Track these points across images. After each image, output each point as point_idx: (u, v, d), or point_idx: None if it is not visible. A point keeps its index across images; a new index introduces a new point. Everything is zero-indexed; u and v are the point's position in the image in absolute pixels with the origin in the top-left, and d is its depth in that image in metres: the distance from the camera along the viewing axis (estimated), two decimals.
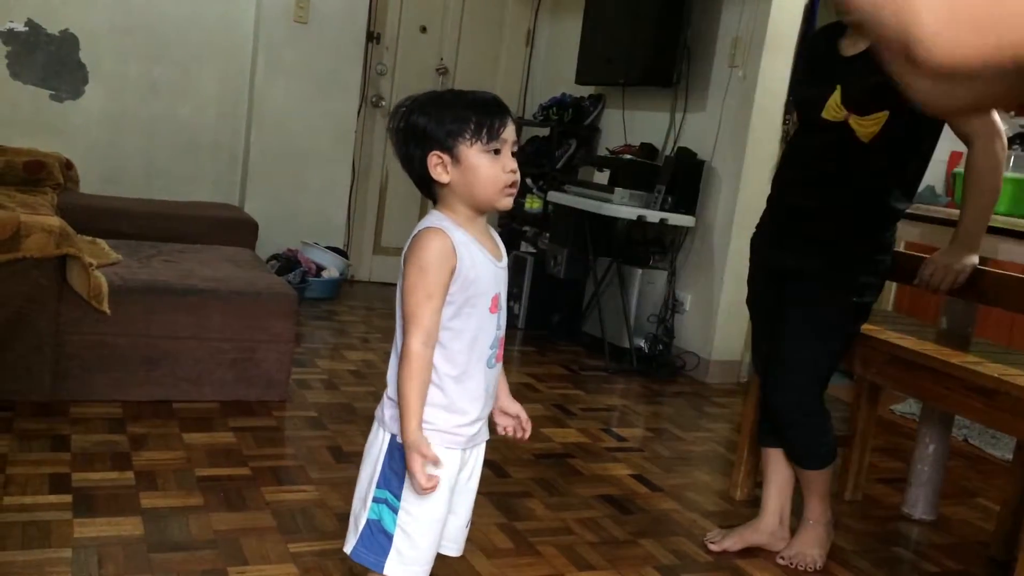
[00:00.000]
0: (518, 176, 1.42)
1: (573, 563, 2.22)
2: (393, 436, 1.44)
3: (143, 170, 4.88)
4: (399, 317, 1.43)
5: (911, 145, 2.18)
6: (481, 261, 1.42)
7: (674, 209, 4.22)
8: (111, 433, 2.66)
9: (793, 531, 2.44)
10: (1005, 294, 2.32)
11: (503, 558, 2.20)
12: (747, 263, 2.53)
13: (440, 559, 1.55)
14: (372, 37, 5.26)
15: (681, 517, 2.61)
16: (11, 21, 4.49)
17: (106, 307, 2.81)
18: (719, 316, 4.19)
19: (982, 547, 2.69)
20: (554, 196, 4.63)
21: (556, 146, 5.17)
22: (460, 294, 1.40)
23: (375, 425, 1.49)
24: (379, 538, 1.44)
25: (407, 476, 1.42)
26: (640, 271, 4.35)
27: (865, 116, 2.12)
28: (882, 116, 2.10)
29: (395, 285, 1.45)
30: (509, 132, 1.40)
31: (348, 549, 1.48)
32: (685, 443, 3.32)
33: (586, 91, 5.16)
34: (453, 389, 1.43)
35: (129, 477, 2.38)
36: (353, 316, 4.62)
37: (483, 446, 1.55)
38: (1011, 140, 2.61)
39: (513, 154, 1.41)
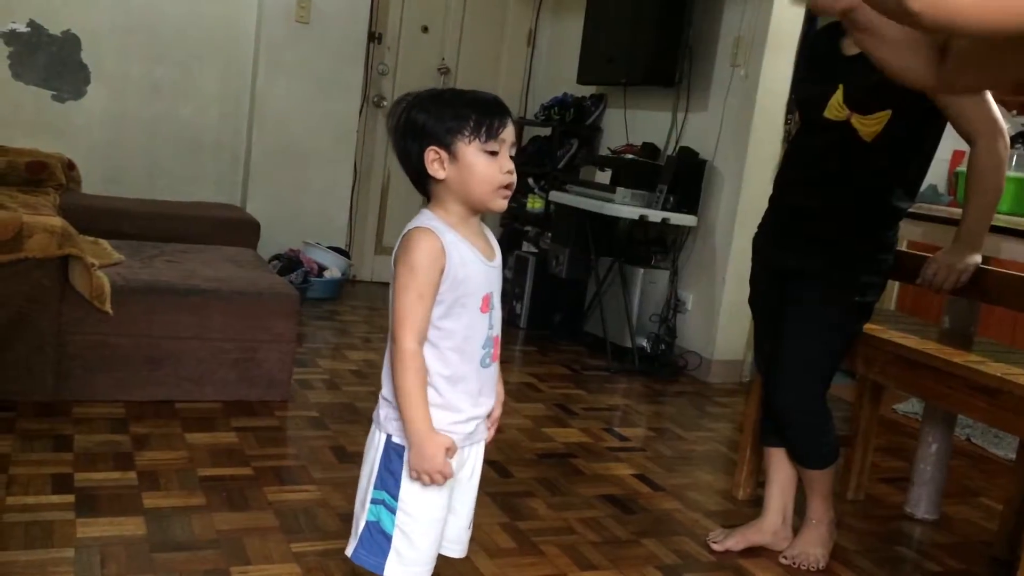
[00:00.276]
0: (514, 178, 1.41)
1: (575, 563, 2.22)
2: (389, 436, 1.44)
3: (145, 170, 4.88)
4: (392, 317, 1.43)
5: (913, 144, 2.17)
6: (471, 260, 1.41)
7: (676, 209, 4.22)
8: (113, 433, 2.66)
9: (796, 531, 2.44)
10: (1008, 293, 2.31)
11: (506, 558, 2.20)
12: (749, 262, 2.53)
13: (442, 559, 1.55)
14: (373, 37, 5.26)
15: (683, 517, 2.61)
16: (13, 22, 4.50)
17: (108, 307, 2.81)
18: (721, 316, 4.18)
19: (985, 546, 2.69)
20: (556, 196, 4.63)
21: (558, 146, 5.17)
22: (450, 294, 1.40)
23: (372, 426, 1.49)
24: (378, 539, 1.44)
25: (405, 475, 1.41)
26: (642, 271, 4.35)
27: (867, 115, 2.11)
28: (884, 115, 2.10)
29: (392, 277, 1.45)
30: (508, 133, 1.40)
31: (349, 552, 1.48)
32: (687, 443, 3.32)
33: (588, 91, 5.16)
34: (446, 388, 1.43)
35: (131, 477, 2.38)
36: (355, 316, 4.62)
37: (482, 444, 1.54)
38: (1013, 139, 2.61)
39: (511, 156, 1.41)
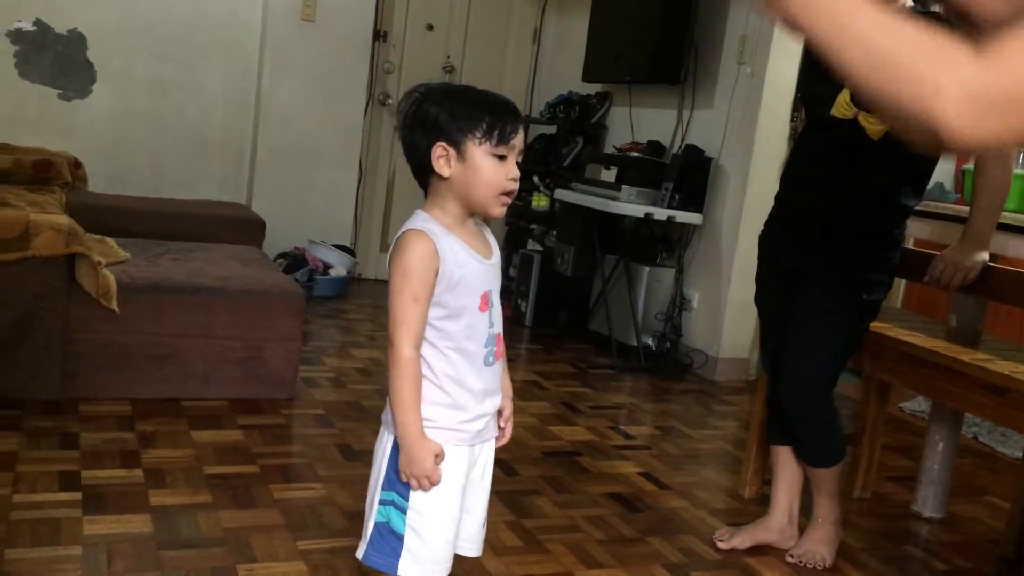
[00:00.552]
0: (517, 185, 1.41)
1: (582, 561, 2.22)
2: (396, 437, 1.44)
3: (151, 169, 4.89)
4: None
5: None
6: (466, 261, 1.41)
7: (681, 207, 4.21)
8: (120, 431, 2.67)
9: (802, 529, 2.44)
10: (1015, 291, 2.31)
11: (512, 556, 2.20)
12: (755, 260, 2.52)
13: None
14: (379, 35, 5.26)
15: (689, 515, 2.60)
16: (19, 20, 4.51)
17: (115, 305, 2.82)
18: (727, 313, 4.18)
19: (992, 545, 2.68)
20: (561, 194, 4.62)
21: (563, 144, 5.16)
22: (446, 295, 1.39)
23: (381, 428, 1.49)
24: (389, 540, 1.44)
25: (405, 474, 1.41)
26: (647, 269, 4.35)
27: (875, 113, 2.11)
28: None
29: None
30: (519, 140, 1.39)
31: (360, 554, 1.47)
32: (693, 441, 3.31)
33: (593, 89, 5.16)
34: (453, 388, 1.43)
35: (138, 475, 2.39)
36: (360, 314, 4.62)
37: (492, 442, 1.54)
38: None
39: (518, 163, 1.40)
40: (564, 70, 5.46)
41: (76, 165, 4.48)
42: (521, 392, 3.60)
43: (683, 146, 4.39)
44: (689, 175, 4.23)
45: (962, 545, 2.65)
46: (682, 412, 3.71)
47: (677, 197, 4.21)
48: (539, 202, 5.11)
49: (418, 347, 1.39)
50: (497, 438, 1.56)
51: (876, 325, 2.43)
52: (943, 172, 2.68)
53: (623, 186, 4.23)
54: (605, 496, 2.66)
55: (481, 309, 1.43)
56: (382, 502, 1.44)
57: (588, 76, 5.00)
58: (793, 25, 0.91)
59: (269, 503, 2.32)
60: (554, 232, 4.90)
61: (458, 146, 1.36)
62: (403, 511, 1.43)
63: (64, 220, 2.78)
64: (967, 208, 2.31)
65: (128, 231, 3.73)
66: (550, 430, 3.19)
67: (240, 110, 5.05)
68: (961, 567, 2.51)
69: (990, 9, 1.01)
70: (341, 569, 2.02)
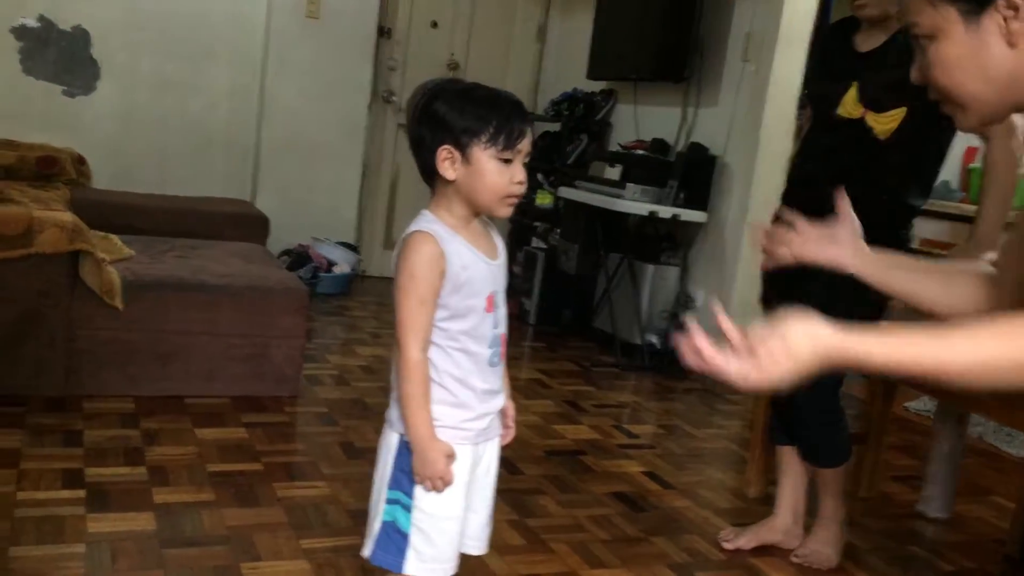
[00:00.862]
0: (524, 188, 1.40)
1: (586, 561, 2.22)
2: (401, 436, 1.43)
3: (155, 166, 4.88)
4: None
5: (928, 142, 2.15)
6: (472, 262, 1.40)
7: (686, 205, 4.20)
8: (124, 428, 2.66)
9: (807, 529, 2.43)
10: None
11: (516, 555, 2.19)
12: (760, 259, 2.50)
13: None
14: (383, 32, 5.25)
15: (694, 515, 2.60)
16: (23, 17, 4.50)
17: (119, 303, 2.82)
18: (731, 312, 4.11)
19: (997, 545, 2.67)
20: (565, 192, 4.61)
21: (567, 142, 5.15)
22: (452, 296, 1.39)
23: (385, 426, 1.48)
24: (395, 539, 1.44)
25: (419, 476, 1.41)
26: (652, 267, 4.34)
27: (882, 113, 2.10)
28: (899, 113, 2.08)
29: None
30: (526, 143, 1.37)
31: (366, 553, 1.47)
32: (697, 440, 3.30)
33: (597, 86, 5.14)
34: (456, 387, 1.42)
35: (142, 472, 2.38)
36: (364, 311, 4.62)
37: (497, 441, 1.54)
38: None
39: (524, 164, 1.39)
40: (569, 67, 5.44)
41: (80, 161, 4.48)
42: (525, 390, 3.60)
43: (688, 144, 4.38)
44: (694, 173, 4.22)
45: (967, 545, 2.64)
46: (686, 411, 3.70)
47: (681, 195, 4.20)
48: (543, 200, 5.10)
49: (426, 349, 1.39)
50: (502, 436, 1.55)
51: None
52: (949, 170, 2.66)
53: (627, 184, 4.22)
54: (609, 495, 2.65)
55: (487, 310, 1.42)
56: (388, 501, 1.44)
57: (593, 73, 4.99)
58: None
59: (273, 501, 2.32)
60: (558, 230, 4.89)
61: (463, 149, 1.35)
62: (409, 510, 1.43)
63: (68, 217, 2.77)
64: (972, 206, 2.31)
65: (132, 228, 3.72)
66: (554, 429, 3.19)
67: (244, 107, 5.04)
68: (966, 568, 2.50)
69: (978, 95, 1.09)
70: (344, 568, 2.01)
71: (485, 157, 1.35)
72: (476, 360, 1.43)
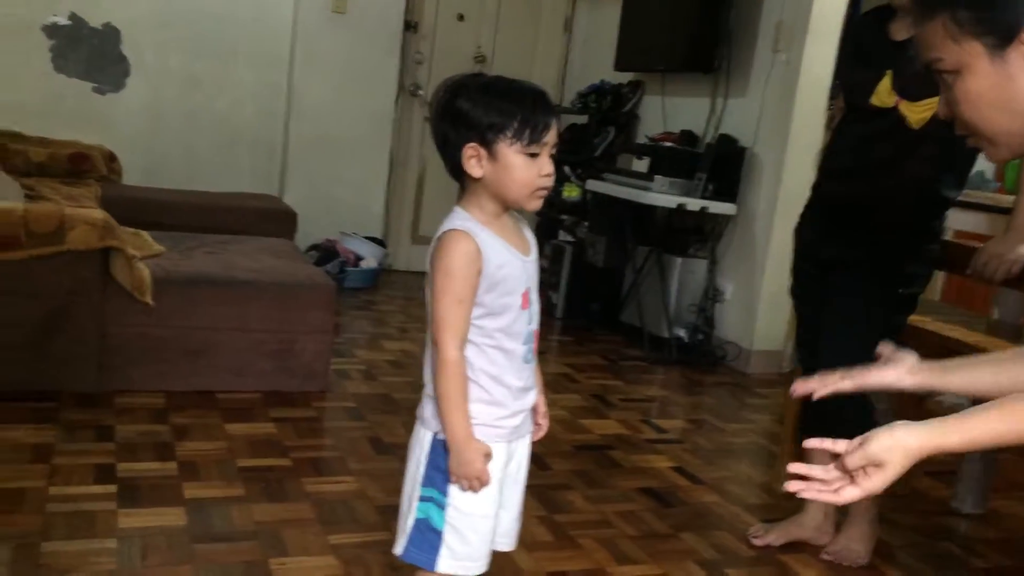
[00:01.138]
0: (552, 181, 1.38)
1: (614, 557, 2.20)
2: (435, 434, 1.43)
3: (184, 162, 4.92)
4: (430, 316, 1.41)
5: (962, 141, 2.11)
6: (508, 260, 1.39)
7: (715, 197, 4.17)
8: (155, 423, 2.69)
9: (838, 526, 2.40)
10: None
11: (543, 551, 2.19)
12: (790, 252, 2.48)
13: None
14: (410, 26, 5.25)
15: (723, 510, 2.58)
16: (54, 15, 4.55)
17: (149, 299, 2.84)
18: (761, 305, 4.13)
19: None
20: (593, 184, 4.59)
21: (594, 134, 5.12)
22: (488, 294, 1.38)
23: (417, 424, 1.48)
24: (428, 536, 1.44)
25: (455, 476, 1.41)
26: (680, 260, 4.30)
27: (916, 102, 2.06)
28: (934, 102, 2.04)
29: (426, 273, 1.44)
30: (552, 135, 1.36)
31: (399, 551, 1.47)
32: (726, 435, 3.28)
33: (625, 78, 5.11)
34: (491, 385, 1.42)
35: (172, 467, 2.40)
36: (391, 306, 4.63)
37: (528, 438, 1.53)
38: None
39: (552, 156, 1.38)
40: (596, 59, 5.41)
41: (111, 158, 4.53)
42: (552, 384, 3.59)
43: (716, 135, 4.34)
44: (723, 165, 4.18)
45: (1002, 542, 2.60)
46: (715, 405, 3.67)
47: (710, 187, 4.16)
48: (570, 193, 5.08)
49: (463, 348, 1.38)
50: (535, 429, 1.55)
51: (915, 318, 2.38)
52: (983, 159, 2.61)
53: (656, 176, 4.19)
54: (637, 491, 2.64)
55: (522, 307, 1.42)
56: (422, 499, 1.44)
57: (620, 65, 4.95)
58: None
59: (301, 496, 2.33)
60: (586, 223, 4.87)
61: (489, 146, 1.34)
62: (443, 508, 1.43)
63: (99, 214, 2.80)
64: (1007, 197, 2.26)
65: (162, 224, 3.75)
66: (582, 423, 3.18)
67: (272, 102, 5.06)
68: (1001, 565, 2.46)
69: (1006, 128, 1.09)
70: (372, 563, 2.02)
71: (511, 152, 1.34)
72: (511, 357, 1.42)
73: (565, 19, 5.71)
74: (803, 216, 2.43)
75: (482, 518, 1.44)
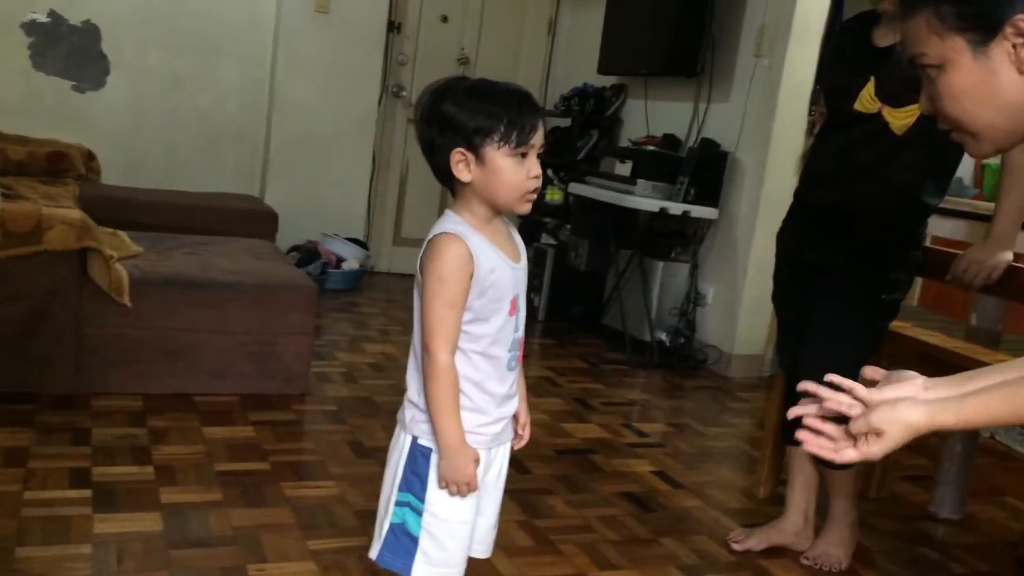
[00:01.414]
0: (540, 182, 1.38)
1: (595, 562, 2.20)
2: (415, 438, 1.42)
3: (164, 161, 4.88)
4: (417, 321, 1.40)
5: (945, 137, 2.12)
6: (499, 265, 1.39)
7: (697, 201, 4.17)
8: (132, 426, 2.66)
9: (818, 530, 2.41)
10: None
11: (524, 556, 2.18)
12: (771, 256, 2.49)
13: None
14: (393, 27, 5.23)
15: (704, 515, 2.58)
16: (33, 12, 4.50)
17: (127, 300, 2.81)
18: (742, 309, 4.14)
19: (1010, 548, 2.65)
20: (575, 187, 4.59)
21: (577, 137, 5.13)
22: (478, 300, 1.37)
23: (397, 428, 1.47)
24: (404, 541, 1.43)
25: (432, 478, 1.40)
26: (662, 263, 4.31)
27: (900, 108, 2.07)
28: (917, 108, 2.05)
29: (415, 277, 1.43)
30: (538, 137, 1.35)
31: (374, 555, 1.46)
32: (707, 439, 3.28)
33: (608, 81, 5.12)
34: (474, 391, 1.41)
35: (149, 472, 2.38)
36: (373, 308, 4.61)
37: (508, 445, 1.53)
38: None
39: (539, 156, 1.38)
40: (579, 62, 5.41)
41: (90, 157, 4.49)
42: (534, 388, 3.58)
43: (699, 140, 4.35)
44: (705, 169, 4.19)
45: (980, 547, 2.62)
46: (696, 409, 3.68)
47: (692, 191, 4.17)
48: (553, 195, 5.08)
49: (453, 353, 1.37)
50: (516, 439, 1.54)
51: (895, 324, 2.39)
52: (962, 167, 2.62)
53: (638, 180, 4.19)
54: (618, 495, 2.64)
55: (510, 313, 1.41)
56: (398, 503, 1.43)
57: (603, 68, 4.96)
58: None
59: (280, 501, 2.31)
60: (568, 226, 4.87)
61: (476, 150, 1.33)
62: (419, 513, 1.42)
63: (77, 215, 2.77)
64: (986, 203, 2.28)
65: (141, 223, 3.72)
66: (563, 427, 3.17)
67: (254, 102, 5.03)
68: (978, 570, 2.47)
69: (989, 123, 1.11)
70: (352, 569, 2.00)
71: (499, 156, 1.33)
72: (495, 363, 1.42)
73: (549, 21, 5.71)
74: (786, 221, 2.43)
75: (459, 524, 1.43)
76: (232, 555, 2.01)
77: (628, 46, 4.75)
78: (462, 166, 1.35)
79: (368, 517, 1.92)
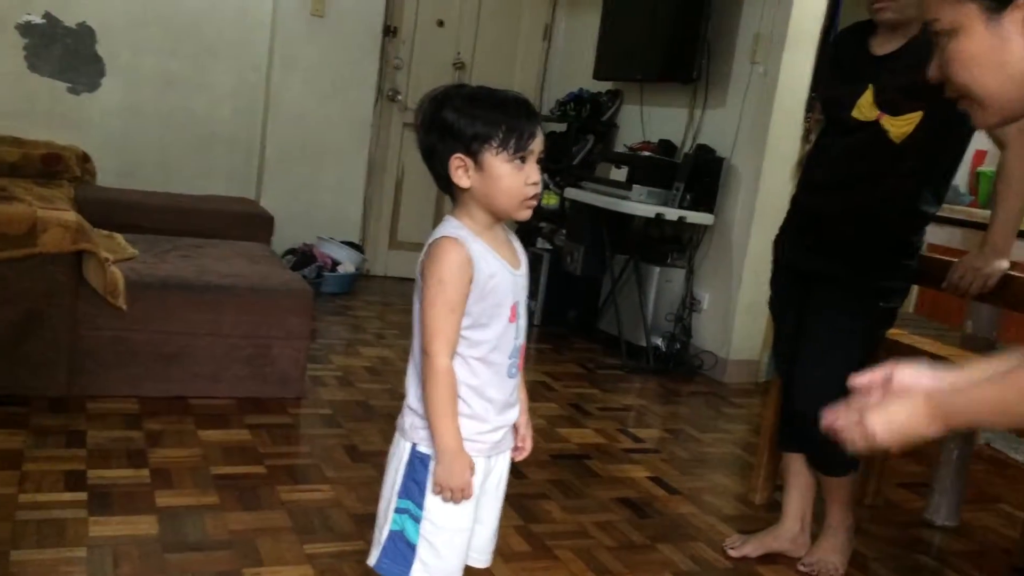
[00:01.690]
0: (540, 188, 1.38)
1: (591, 568, 2.20)
2: (414, 445, 1.42)
3: (159, 163, 4.87)
4: (417, 325, 1.40)
5: (943, 146, 2.13)
6: (499, 271, 1.38)
7: (692, 207, 4.18)
8: (127, 429, 2.65)
9: (814, 537, 2.41)
10: None
11: (520, 562, 2.17)
12: (767, 262, 2.49)
13: None
14: (389, 31, 5.23)
15: (699, 521, 2.58)
16: (28, 14, 4.49)
17: (122, 303, 2.80)
18: (737, 315, 4.14)
19: (1005, 555, 2.65)
20: (571, 193, 4.59)
21: (573, 142, 5.13)
22: (478, 305, 1.37)
23: (396, 435, 1.47)
24: (402, 549, 1.42)
25: (431, 485, 1.39)
26: (658, 269, 4.32)
27: (898, 116, 2.07)
28: (915, 116, 2.06)
29: (411, 280, 1.43)
30: (537, 144, 1.36)
31: (372, 562, 1.46)
32: (703, 444, 3.28)
33: (604, 86, 5.12)
34: (473, 398, 1.41)
35: (144, 475, 2.37)
36: (369, 311, 4.60)
37: (508, 453, 1.52)
38: None
39: (538, 162, 1.38)
40: (575, 67, 5.42)
41: (85, 159, 4.47)
42: (530, 393, 3.52)
43: (695, 146, 4.36)
44: (700, 175, 4.20)
45: (975, 554, 2.62)
46: (691, 415, 3.68)
47: (688, 197, 4.18)
48: (549, 201, 5.08)
49: (453, 356, 1.37)
50: (517, 451, 1.54)
51: (891, 332, 2.40)
52: (958, 174, 2.63)
53: (634, 185, 4.20)
54: (614, 501, 2.63)
55: (510, 320, 1.41)
56: (397, 510, 1.43)
57: (599, 74, 4.96)
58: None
59: (276, 505, 2.30)
60: (564, 231, 4.87)
61: (475, 156, 1.34)
62: (417, 521, 1.41)
63: (72, 217, 2.76)
64: (981, 211, 2.28)
65: (137, 226, 3.71)
66: (559, 432, 3.17)
67: (249, 105, 5.02)
68: None
69: (997, 92, 1.11)
70: (348, 573, 2.00)
71: (498, 162, 1.33)
72: (495, 370, 1.41)
73: (545, 27, 5.71)
74: (782, 228, 2.44)
75: (457, 532, 1.43)
76: (228, 559, 2.00)
77: (624, 52, 4.75)
78: (461, 172, 1.35)
79: (364, 521, 1.92)
